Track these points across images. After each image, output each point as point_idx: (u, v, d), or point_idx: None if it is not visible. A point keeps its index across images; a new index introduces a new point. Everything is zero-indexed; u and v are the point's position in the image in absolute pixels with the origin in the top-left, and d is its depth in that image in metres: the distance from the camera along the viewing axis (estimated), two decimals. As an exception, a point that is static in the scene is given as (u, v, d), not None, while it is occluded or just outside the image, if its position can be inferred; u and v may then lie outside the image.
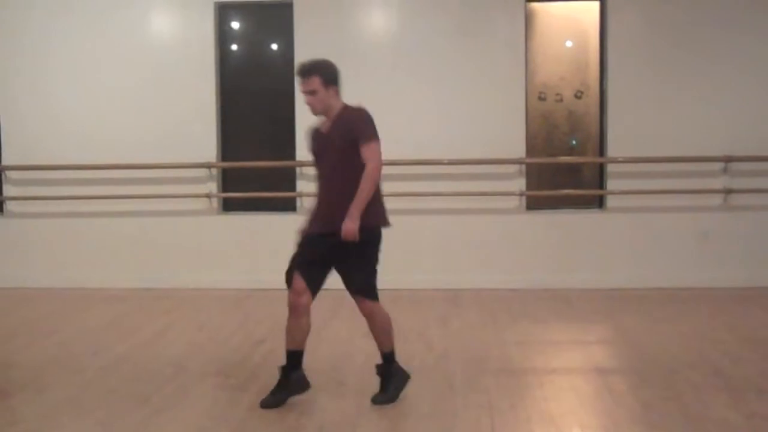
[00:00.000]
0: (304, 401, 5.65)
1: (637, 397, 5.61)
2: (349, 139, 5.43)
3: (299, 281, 5.43)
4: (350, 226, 5.27)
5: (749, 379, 6.00)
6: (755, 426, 5.09)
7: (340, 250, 5.38)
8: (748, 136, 9.30)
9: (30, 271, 9.91)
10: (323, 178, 5.58)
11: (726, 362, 6.45)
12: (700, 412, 5.22)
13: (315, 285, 5.50)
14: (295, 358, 5.51)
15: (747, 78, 9.39)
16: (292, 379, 5.51)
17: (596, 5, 9.57)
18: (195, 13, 9.68)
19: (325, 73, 5.54)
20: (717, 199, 9.37)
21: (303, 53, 9.41)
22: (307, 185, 9.54)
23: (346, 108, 5.67)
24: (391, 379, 5.57)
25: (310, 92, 5.47)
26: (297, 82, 5.56)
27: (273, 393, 5.50)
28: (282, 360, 5.55)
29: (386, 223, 5.67)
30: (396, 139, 9.34)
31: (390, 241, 9.49)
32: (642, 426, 5.04)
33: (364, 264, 5.57)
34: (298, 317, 5.47)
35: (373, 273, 5.66)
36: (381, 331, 5.63)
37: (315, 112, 5.59)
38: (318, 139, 5.64)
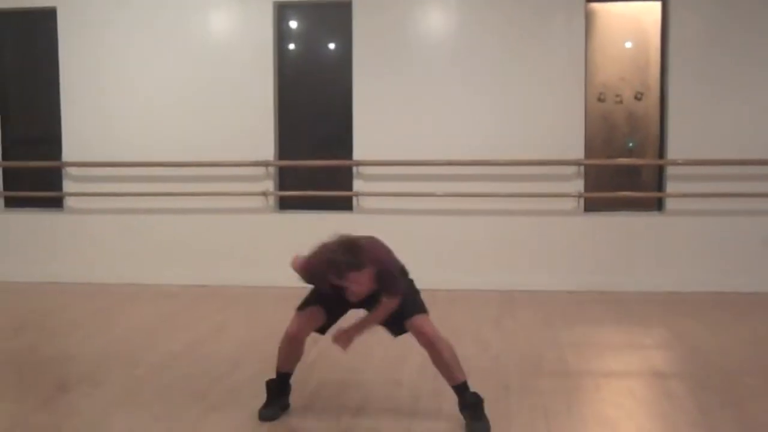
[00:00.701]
0: (360, 401, 5.68)
1: (696, 402, 5.54)
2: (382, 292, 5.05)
3: (314, 318, 5.28)
4: (346, 340, 5.23)
5: (811, 387, 5.92)
6: (817, 434, 5.03)
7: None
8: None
9: (88, 267, 10.05)
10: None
11: (787, 369, 6.37)
12: (760, 420, 5.15)
13: (323, 328, 5.37)
14: (286, 379, 5.46)
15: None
16: (284, 393, 5.46)
17: (658, 5, 9.46)
18: (254, 12, 9.74)
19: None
20: (779, 203, 9.25)
21: (361, 52, 9.50)
22: (364, 184, 9.58)
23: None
24: (480, 403, 5.13)
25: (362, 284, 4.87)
26: (344, 279, 4.81)
27: (271, 406, 5.38)
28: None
29: None
30: (453, 139, 9.42)
31: (446, 242, 9.59)
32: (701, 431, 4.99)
33: (410, 289, 5.30)
34: (297, 347, 5.34)
35: (414, 289, 5.35)
36: (452, 355, 5.12)
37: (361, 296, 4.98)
38: (336, 293, 5.03)
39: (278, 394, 5.39)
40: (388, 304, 5.03)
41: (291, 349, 5.31)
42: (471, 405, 5.07)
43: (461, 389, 5.11)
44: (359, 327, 5.18)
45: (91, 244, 10.09)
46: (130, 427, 5.19)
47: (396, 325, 5.21)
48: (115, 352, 7.00)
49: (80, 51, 9.98)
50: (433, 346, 5.08)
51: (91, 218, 10.08)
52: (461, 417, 5.09)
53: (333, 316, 5.31)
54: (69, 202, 10.15)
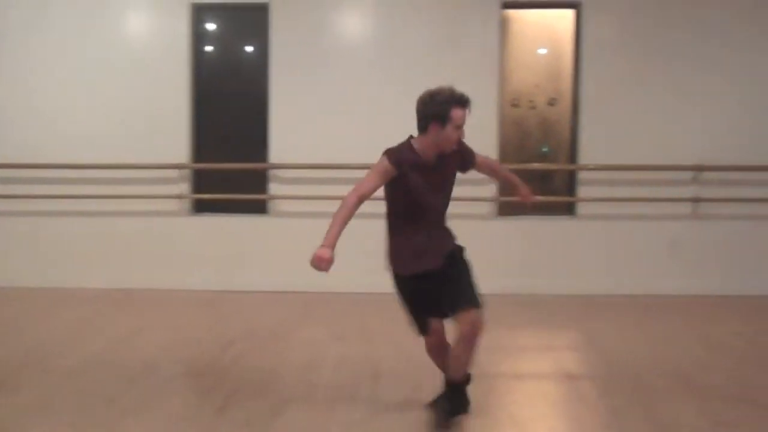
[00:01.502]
0: (276, 403, 5.68)
1: (606, 402, 5.66)
2: (459, 169, 5.39)
3: (437, 323, 5.21)
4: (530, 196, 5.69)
5: (718, 387, 6.08)
6: (722, 433, 5.18)
7: (449, 271, 5.22)
8: (719, 146, 9.42)
9: (4, 270, 9.85)
10: (433, 212, 5.33)
11: (695, 370, 6.50)
12: (669, 419, 5.26)
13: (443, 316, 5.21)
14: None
15: (720, 88, 9.55)
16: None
17: (571, 13, 9.64)
18: (170, 13, 9.67)
19: None
20: (686, 208, 9.49)
21: (278, 56, 9.50)
22: (278, 188, 9.58)
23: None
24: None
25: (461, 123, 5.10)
26: (460, 113, 5.07)
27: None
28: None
29: None
30: (370, 141, 9.41)
31: (364, 246, 9.56)
32: (610, 432, 5.10)
33: (470, 274, 5.32)
34: (446, 351, 5.26)
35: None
36: (474, 351, 5.13)
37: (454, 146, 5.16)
38: (427, 170, 5.19)
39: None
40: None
41: (444, 354, 5.28)
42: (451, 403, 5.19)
43: (464, 381, 5.25)
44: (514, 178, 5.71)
45: (8, 248, 9.89)
46: (43, 433, 5.14)
47: (450, 301, 5.09)
48: (31, 357, 6.87)
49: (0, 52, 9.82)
50: (471, 342, 5.03)
51: (7, 220, 9.88)
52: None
53: (434, 309, 5.19)
54: (-20, 203, 9.95)
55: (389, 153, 5.16)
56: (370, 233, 9.48)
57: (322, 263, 4.70)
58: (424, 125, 5.08)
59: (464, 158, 5.32)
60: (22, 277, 9.78)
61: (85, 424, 5.27)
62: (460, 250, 5.37)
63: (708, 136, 9.46)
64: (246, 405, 5.69)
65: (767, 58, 9.55)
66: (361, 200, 5.07)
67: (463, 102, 5.00)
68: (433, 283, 5.11)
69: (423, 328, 5.18)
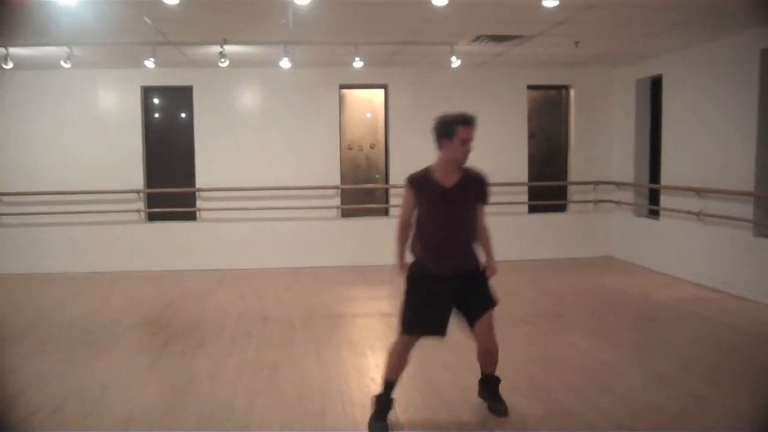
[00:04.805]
0: (199, 339, 5.72)
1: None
2: (478, 198, 4.04)
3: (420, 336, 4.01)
4: (497, 265, 4.07)
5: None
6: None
7: (471, 282, 3.96)
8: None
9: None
10: (447, 227, 3.94)
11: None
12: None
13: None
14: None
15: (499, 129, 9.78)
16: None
17: (382, 91, 9.92)
18: (129, 92, 9.43)
19: None
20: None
21: (200, 118, 9.28)
22: (203, 203, 9.46)
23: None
24: (499, 384, 4.15)
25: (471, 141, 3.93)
26: (466, 131, 3.89)
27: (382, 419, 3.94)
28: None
29: None
30: (265, 168, 9.39)
31: (262, 239, 9.39)
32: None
33: (487, 282, 4.03)
34: (404, 362, 4.04)
35: None
36: (496, 350, 4.06)
37: (466, 161, 3.99)
38: (439, 191, 3.98)
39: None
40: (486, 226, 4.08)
41: (404, 359, 4.03)
42: (495, 387, 4.15)
43: (494, 377, 4.16)
44: (492, 251, 4.09)
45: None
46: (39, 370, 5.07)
47: (473, 310, 3.98)
48: (33, 317, 6.67)
49: None
50: (494, 337, 4.03)
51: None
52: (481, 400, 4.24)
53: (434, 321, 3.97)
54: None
55: (408, 179, 4.17)
56: (264, 232, 9.52)
57: (397, 275, 4.12)
58: (438, 144, 4.01)
59: (479, 194, 4.03)
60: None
61: (72, 360, 5.23)
62: (479, 272, 4.04)
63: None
64: (180, 341, 5.76)
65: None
66: (405, 224, 4.08)
67: (467, 121, 3.89)
68: (447, 297, 3.96)
69: (412, 328, 3.96)
